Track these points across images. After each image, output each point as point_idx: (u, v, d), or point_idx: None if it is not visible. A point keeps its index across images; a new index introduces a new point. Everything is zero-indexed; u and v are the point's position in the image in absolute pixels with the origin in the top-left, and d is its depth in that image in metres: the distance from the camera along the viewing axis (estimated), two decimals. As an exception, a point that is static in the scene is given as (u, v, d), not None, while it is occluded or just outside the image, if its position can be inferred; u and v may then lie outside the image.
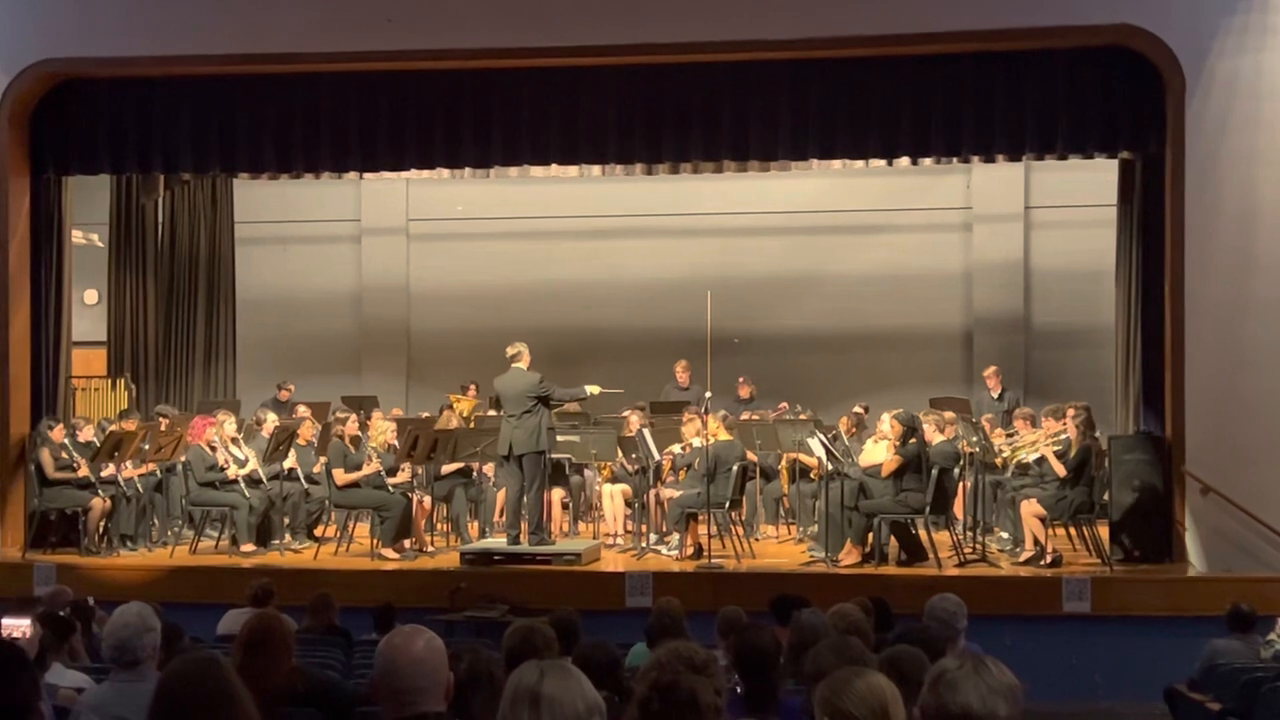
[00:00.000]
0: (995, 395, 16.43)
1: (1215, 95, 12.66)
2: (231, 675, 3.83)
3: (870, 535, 12.45)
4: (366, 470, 13.30)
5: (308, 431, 14.42)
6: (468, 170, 15.42)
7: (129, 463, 13.55)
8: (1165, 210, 12.97)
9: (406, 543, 13.28)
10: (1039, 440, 13.02)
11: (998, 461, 13.51)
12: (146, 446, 13.45)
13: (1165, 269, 12.97)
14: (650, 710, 3.41)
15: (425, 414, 16.17)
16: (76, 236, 15.83)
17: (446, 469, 13.86)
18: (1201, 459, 12.51)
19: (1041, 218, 18.73)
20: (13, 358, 14.00)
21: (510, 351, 12.74)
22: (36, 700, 4.01)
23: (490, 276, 19.44)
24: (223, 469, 13.48)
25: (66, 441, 13.52)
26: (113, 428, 13.88)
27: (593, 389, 12.92)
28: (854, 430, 14.28)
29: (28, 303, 14.28)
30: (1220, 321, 12.63)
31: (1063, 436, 12.65)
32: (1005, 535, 13.65)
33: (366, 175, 16.58)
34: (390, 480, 13.45)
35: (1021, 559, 12.60)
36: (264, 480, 13.64)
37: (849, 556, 12.41)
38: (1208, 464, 12.47)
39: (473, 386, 16.70)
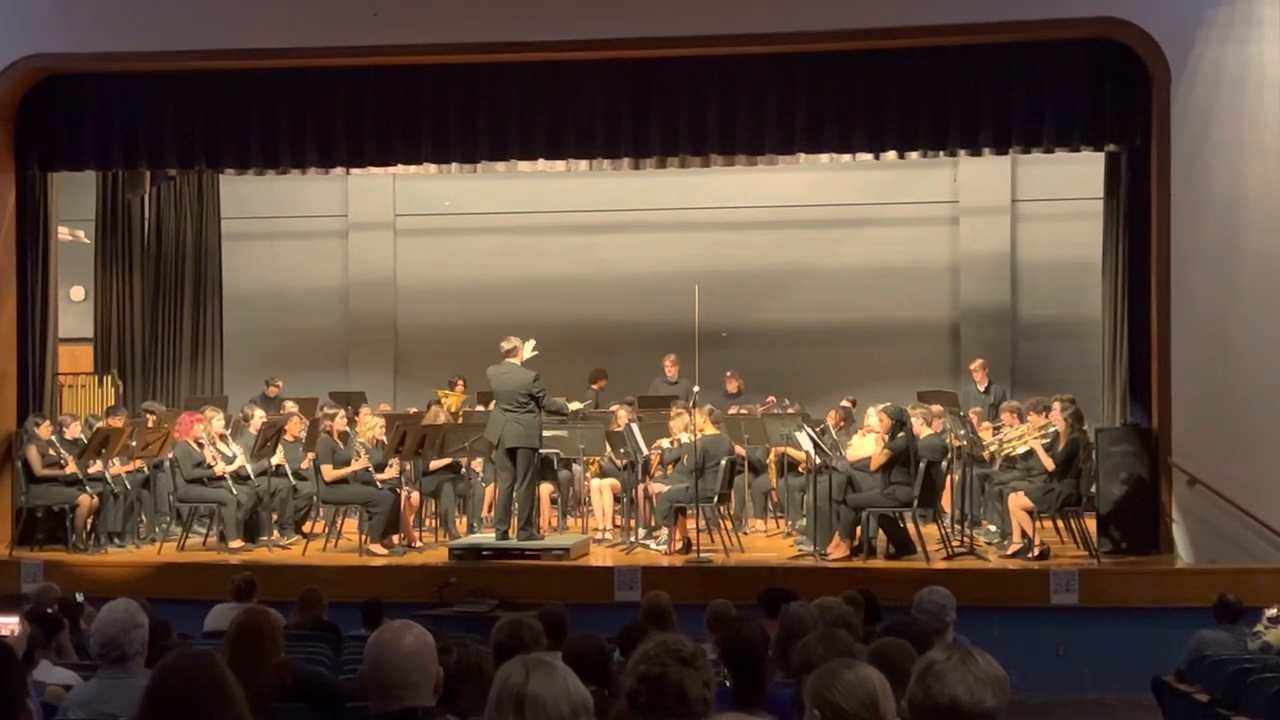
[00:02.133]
0: (982, 388, 16.47)
1: (1200, 87, 12.68)
2: (225, 671, 3.83)
3: (858, 529, 12.47)
4: (355, 466, 13.30)
5: (295, 427, 14.42)
6: (455, 165, 15.42)
7: (116, 459, 13.53)
8: (1151, 202, 12.99)
9: (395, 538, 13.27)
10: (1027, 433, 13.04)
11: (985, 455, 13.54)
12: (134, 443, 13.44)
13: (1151, 261, 12.99)
14: (639, 703, 3.42)
15: (413, 409, 16.16)
16: (62, 233, 15.79)
17: (435, 464, 13.85)
18: (1188, 451, 12.53)
19: (1028, 211, 18.77)
20: (-1, 354, 13.98)
21: (505, 346, 12.77)
22: (24, 697, 4.01)
23: (478, 271, 19.43)
24: (210, 465, 13.46)
25: (53, 438, 13.47)
26: (100, 424, 13.87)
27: (574, 405, 13.08)
28: (842, 424, 14.30)
29: (14, 300, 14.23)
30: (1206, 313, 12.65)
31: (1051, 429, 12.67)
32: (993, 528, 13.68)
33: (353, 170, 16.58)
34: (378, 476, 13.44)
35: (1009, 551, 12.63)
36: (252, 476, 13.61)
37: (837, 550, 12.42)
38: (1194, 455, 12.49)
39: (460, 381, 16.70)
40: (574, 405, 13.36)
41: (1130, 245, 13.64)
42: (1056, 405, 12.68)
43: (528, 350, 12.83)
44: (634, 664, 3.48)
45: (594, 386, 16.77)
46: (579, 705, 3.23)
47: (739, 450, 13.97)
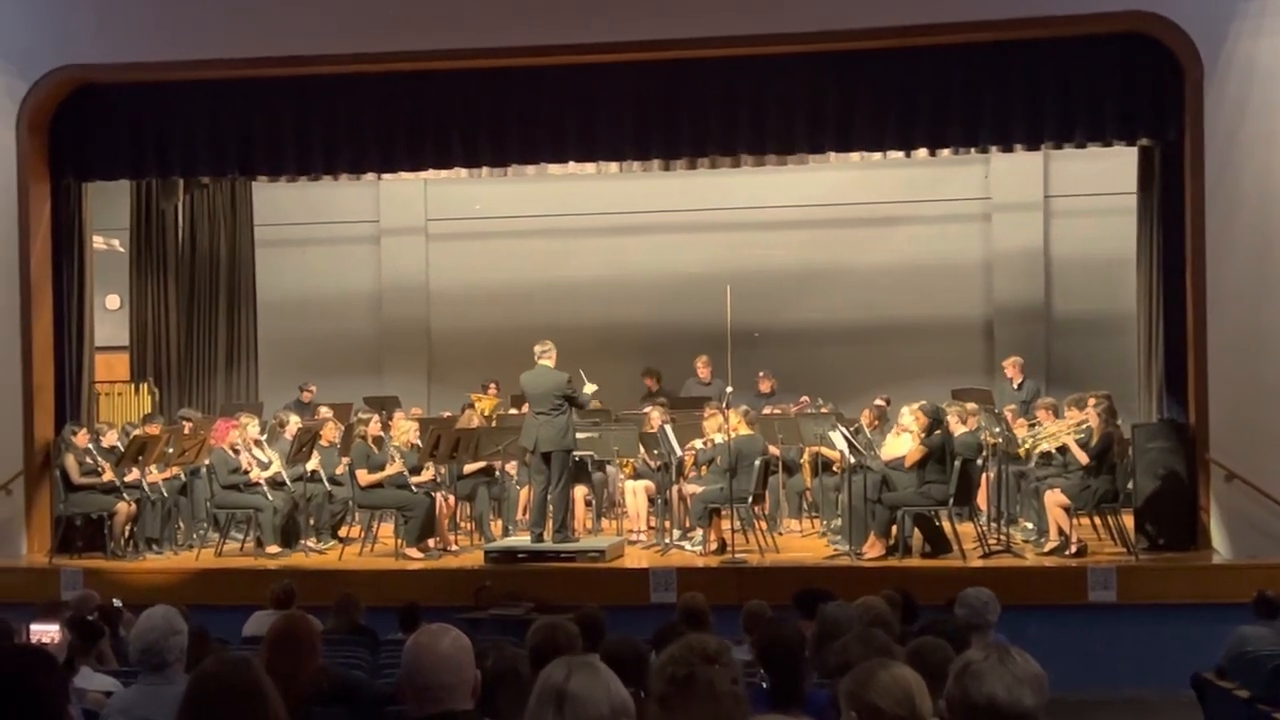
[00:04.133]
0: (1015, 385, 16.37)
1: (1233, 80, 12.61)
2: (262, 676, 3.85)
3: (894, 528, 12.43)
4: (390, 470, 13.33)
5: (330, 433, 14.45)
6: (485, 169, 15.47)
7: (153, 467, 13.59)
8: (1185, 196, 12.92)
9: (431, 542, 13.29)
10: (1061, 430, 12.98)
11: (1020, 452, 13.47)
12: (170, 450, 13.50)
13: (1186, 255, 12.93)
14: (670, 705, 3.42)
15: (447, 413, 16.19)
16: (97, 242, 15.90)
17: (469, 468, 13.87)
18: (1225, 445, 12.47)
19: (1061, 206, 18.67)
20: (36, 364, 14.06)
21: (539, 349, 12.78)
22: (66, 704, 4.04)
23: (509, 275, 19.44)
24: (246, 471, 13.52)
25: (90, 446, 13.55)
26: (136, 432, 13.93)
27: (590, 387, 13.01)
28: (876, 423, 14.24)
29: (50, 309, 14.34)
30: (1242, 307, 12.58)
31: (1085, 425, 12.62)
32: (1029, 526, 13.62)
33: (385, 176, 16.63)
34: (413, 480, 13.47)
35: (1046, 549, 12.57)
36: (287, 482, 13.66)
37: (873, 549, 12.39)
38: (1231, 450, 12.42)
39: (493, 385, 16.73)
40: (589, 388, 13.18)
41: (1164, 240, 13.58)
42: (1091, 401, 12.63)
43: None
44: (660, 667, 3.48)
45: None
46: (619, 707, 3.22)
47: (773, 450, 13.95)
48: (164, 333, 17.44)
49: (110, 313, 18.44)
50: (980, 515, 13.29)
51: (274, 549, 13.37)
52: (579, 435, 13.18)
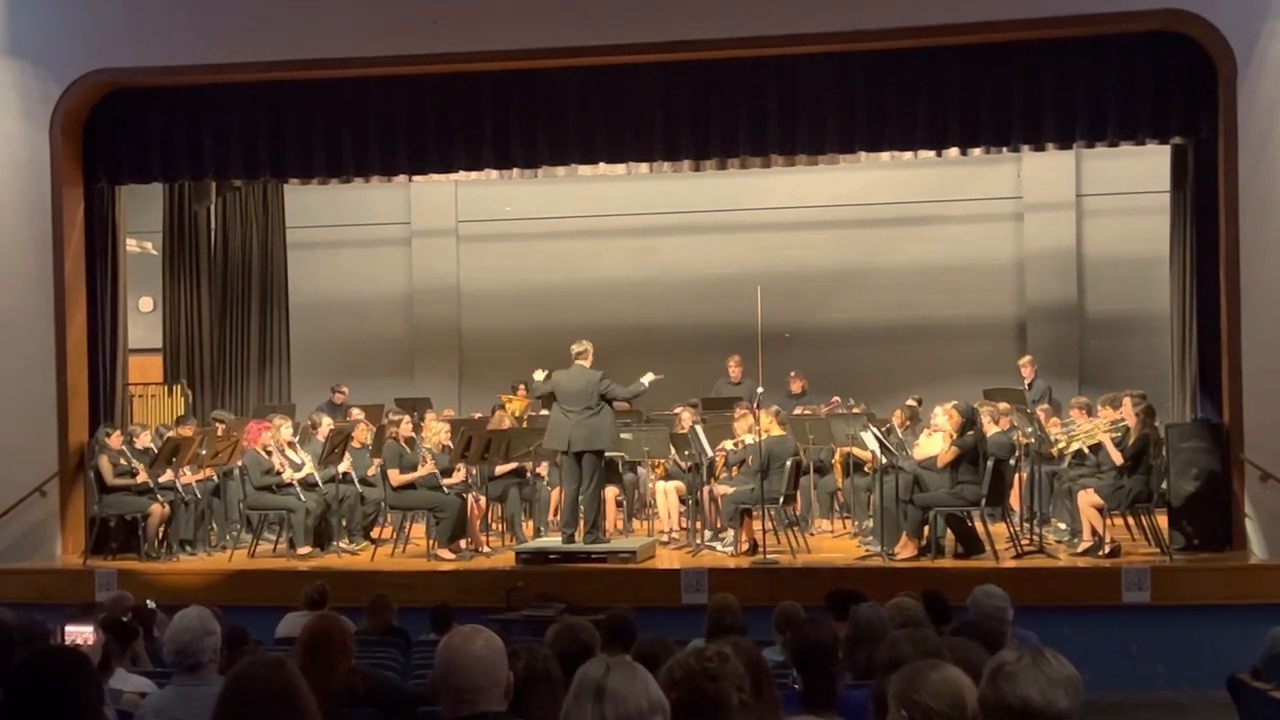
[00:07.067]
0: (1026, 385, 16.26)
1: (1266, 78, 12.54)
2: (296, 677, 3.86)
3: (926, 528, 12.39)
4: (421, 471, 13.35)
5: (362, 434, 14.49)
6: (516, 171, 15.46)
7: (187, 468, 13.66)
8: (1218, 195, 12.84)
9: (462, 543, 13.32)
10: (1096, 428, 12.91)
11: (1054, 452, 13.41)
12: (203, 452, 13.56)
13: (1220, 254, 12.85)
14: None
15: (478, 414, 16.22)
16: (130, 244, 15.98)
17: (501, 469, 13.89)
18: (1260, 445, 12.38)
19: (1094, 205, 18.60)
20: (70, 366, 14.14)
21: (576, 349, 12.75)
22: (100, 705, 4.06)
23: (540, 276, 19.49)
24: (279, 473, 13.57)
25: (124, 448, 13.63)
26: (170, 434, 14.01)
27: (647, 377, 12.86)
28: (907, 423, 14.20)
29: (84, 311, 14.42)
30: (1276, 305, 12.50)
31: (1121, 424, 12.55)
32: (1063, 526, 13.56)
33: (415, 178, 16.66)
34: (445, 481, 13.50)
35: (1080, 550, 12.50)
36: (320, 483, 13.70)
37: (905, 550, 12.35)
38: (1267, 450, 12.34)
39: (524, 386, 16.72)
40: (648, 377, 12.99)
41: (1198, 239, 13.50)
42: (1127, 400, 12.55)
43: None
44: (664, 688, 3.45)
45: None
46: (656, 704, 3.23)
47: (804, 450, 13.91)
48: (197, 335, 17.53)
49: (143, 315, 18.55)
50: (1013, 515, 13.23)
51: (306, 550, 13.41)
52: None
